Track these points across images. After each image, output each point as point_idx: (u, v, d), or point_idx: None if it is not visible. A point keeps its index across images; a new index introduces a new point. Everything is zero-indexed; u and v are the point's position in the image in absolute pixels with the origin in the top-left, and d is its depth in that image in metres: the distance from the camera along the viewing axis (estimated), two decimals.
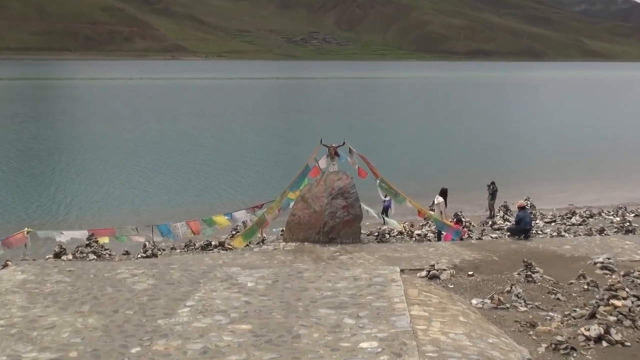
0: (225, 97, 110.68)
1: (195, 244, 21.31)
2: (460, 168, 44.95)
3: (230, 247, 19.85)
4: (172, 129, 64.50)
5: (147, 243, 20.46)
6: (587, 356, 8.81)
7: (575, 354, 8.85)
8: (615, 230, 24.40)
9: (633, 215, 28.52)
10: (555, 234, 23.48)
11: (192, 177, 40.44)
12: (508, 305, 11.40)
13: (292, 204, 20.10)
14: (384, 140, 57.73)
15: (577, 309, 11.06)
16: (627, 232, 23.69)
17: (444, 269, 14.29)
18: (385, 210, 26.45)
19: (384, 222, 24.88)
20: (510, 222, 26.00)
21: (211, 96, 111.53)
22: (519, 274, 13.83)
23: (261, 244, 20.72)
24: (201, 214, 28.03)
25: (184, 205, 33.03)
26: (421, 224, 26.34)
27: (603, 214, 28.99)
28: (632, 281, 13.15)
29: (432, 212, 23.06)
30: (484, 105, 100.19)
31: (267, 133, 63.31)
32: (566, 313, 10.84)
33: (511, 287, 12.23)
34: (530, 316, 10.86)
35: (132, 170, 42.22)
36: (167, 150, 50.93)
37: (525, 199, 30.61)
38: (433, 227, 23.62)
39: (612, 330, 9.29)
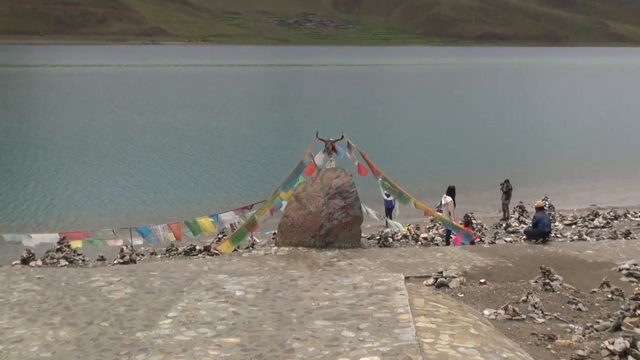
0: (212, 86, 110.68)
1: (177, 249, 21.29)
2: (471, 164, 45.02)
3: (216, 252, 19.83)
4: (155, 121, 64.49)
5: (124, 247, 20.44)
6: None
7: None
8: None
9: None
10: (576, 237, 23.51)
11: (176, 174, 40.48)
12: (524, 317, 11.41)
13: (285, 205, 20.10)
14: (386, 134, 57.81)
15: (601, 321, 11.07)
16: None
17: (453, 277, 14.30)
18: (388, 212, 26.48)
19: (387, 225, 24.90)
20: (526, 224, 26.01)
21: (196, 85, 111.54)
22: (536, 281, 13.84)
23: (251, 248, 20.68)
24: (185, 216, 28.00)
25: (166, 205, 33.04)
26: (428, 226, 26.30)
27: (629, 216, 29.02)
28: None
29: (440, 213, 23.07)
30: (497, 95, 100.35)
31: (258, 126, 63.35)
32: (588, 325, 10.85)
33: (527, 297, 12.24)
34: (549, 328, 10.86)
35: (109, 166, 42.22)
36: (148, 144, 50.98)
37: (543, 199, 30.66)
38: (441, 230, 23.61)
39: (639, 344, 9.30)
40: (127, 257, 19.48)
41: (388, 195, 25.29)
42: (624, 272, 15.21)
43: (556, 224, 26.83)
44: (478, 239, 22.33)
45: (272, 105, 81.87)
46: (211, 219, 22.14)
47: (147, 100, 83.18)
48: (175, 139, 54.15)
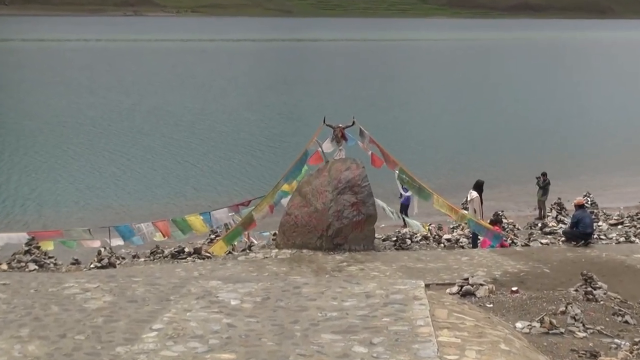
0: (206, 64, 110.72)
1: (163, 251, 21.29)
2: (502, 154, 44.94)
3: (208, 254, 19.85)
4: (142, 104, 64.74)
5: (102, 249, 20.45)
6: None
7: None
8: None
9: None
10: (622, 239, 23.42)
11: (164, 165, 40.65)
12: (562, 330, 11.39)
13: (286, 199, 20.09)
14: (404, 120, 57.79)
15: None
16: None
17: (481, 284, 14.27)
18: (405, 209, 26.45)
19: (404, 224, 24.87)
20: (565, 223, 25.94)
21: (188, 63, 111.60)
22: (576, 290, 13.80)
23: (248, 251, 20.65)
24: (172, 213, 28.02)
25: (152, 201, 33.16)
26: (451, 226, 26.25)
27: None
28: None
29: (466, 211, 23.00)
30: (532, 74, 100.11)
31: (259, 110, 63.43)
32: (636, 340, 10.82)
33: (566, 307, 12.21)
34: (591, 344, 10.85)
35: (89, 155, 42.36)
36: (135, 130, 51.15)
37: (585, 195, 30.56)
38: (467, 231, 23.57)
39: None
40: (106, 260, 19.49)
41: (406, 190, 25.27)
42: None
43: (600, 224, 26.76)
44: (509, 241, 22.28)
45: (275, 86, 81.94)
46: (202, 217, 22.17)
47: (132, 80, 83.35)
48: (165, 124, 54.30)
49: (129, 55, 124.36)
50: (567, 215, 27.89)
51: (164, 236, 21.37)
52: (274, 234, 21.87)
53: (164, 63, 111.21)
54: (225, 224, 22.61)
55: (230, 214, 22.62)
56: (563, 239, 21.43)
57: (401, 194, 27.35)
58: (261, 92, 75.91)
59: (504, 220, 25.77)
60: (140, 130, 51.27)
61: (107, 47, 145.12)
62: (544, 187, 30.06)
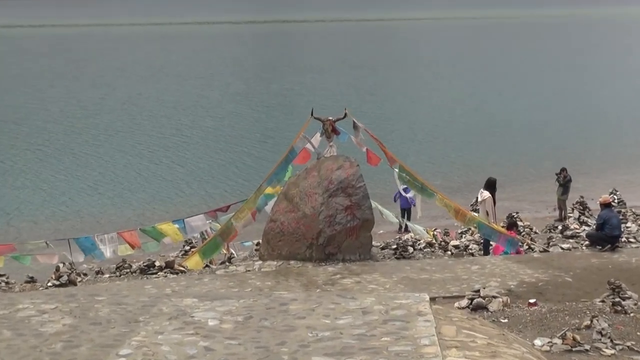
0: (180, 51, 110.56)
1: (131, 266, 21.30)
2: (516, 148, 45.00)
3: (182, 269, 19.81)
4: (111, 96, 64.80)
5: (61, 265, 20.38)
6: None
7: None
8: None
9: None
10: None
11: (134, 166, 40.75)
12: (587, 347, 11.41)
13: (271, 204, 20.05)
14: (405, 111, 57.86)
15: None
16: None
17: (494, 296, 14.28)
18: (406, 212, 26.45)
19: (403, 229, 24.89)
20: (589, 225, 26.00)
21: (160, 50, 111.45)
22: (602, 301, 13.82)
23: (227, 263, 20.68)
24: (142, 221, 27.96)
25: (117, 208, 33.17)
26: (459, 230, 26.27)
27: None
28: None
29: (476, 214, 22.99)
30: (546, 56, 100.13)
31: (240, 101, 63.52)
32: None
33: (592, 321, 12.23)
34: None
35: (50, 157, 42.37)
36: (102, 127, 51.20)
37: (611, 192, 30.62)
38: (477, 236, 23.59)
39: None
40: (65, 277, 19.41)
41: (407, 190, 25.28)
42: None
43: (628, 225, 26.81)
44: (526, 247, 22.30)
45: (259, 75, 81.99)
46: (176, 226, 22.08)
47: (97, 70, 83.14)
48: (137, 120, 54.40)
49: (93, 43, 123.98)
50: (591, 215, 27.96)
51: (132, 248, 21.28)
52: (257, 244, 21.86)
53: (133, 50, 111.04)
54: (202, 233, 22.53)
55: (207, 222, 22.53)
56: (587, 243, 21.45)
57: (399, 195, 27.37)
58: (243, 82, 75.93)
59: (520, 223, 25.80)
60: (109, 127, 51.28)
61: (66, 33, 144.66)
62: (564, 184, 30.10)
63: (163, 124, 52.50)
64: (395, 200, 27.99)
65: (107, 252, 20.99)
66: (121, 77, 78.14)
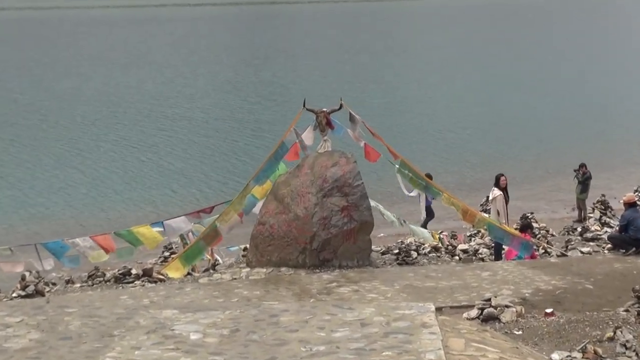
0: (161, 36, 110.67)
1: (105, 274, 21.24)
2: (530, 141, 45.00)
3: (161, 277, 19.80)
4: (85, 87, 64.88)
5: (27, 273, 20.32)
6: None
7: None
8: None
9: None
10: None
11: (110, 162, 40.76)
12: None
13: (259, 205, 19.98)
14: (408, 101, 57.89)
15: None
16: None
17: (507, 306, 14.27)
18: (429, 213, 26.40)
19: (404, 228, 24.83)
20: (612, 227, 25.98)
21: (139, 35, 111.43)
22: (627, 310, 13.80)
23: (211, 271, 20.65)
24: (116, 224, 27.88)
25: (91, 209, 33.22)
26: (468, 233, 26.24)
27: None
28: None
29: (486, 215, 22.92)
30: (561, 38, 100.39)
31: (227, 91, 63.58)
32: None
33: (615, 332, 12.20)
34: None
35: (17, 153, 42.31)
36: (76, 120, 51.28)
37: (636, 190, 30.61)
38: (487, 239, 23.57)
39: None
40: (32, 287, 19.38)
41: (411, 189, 25.21)
42: None
43: None
44: (542, 250, 22.26)
45: (246, 62, 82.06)
46: (155, 229, 21.98)
47: (69, 58, 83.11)
48: (113, 111, 54.35)
49: (63, 27, 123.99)
50: (614, 216, 27.96)
51: (106, 253, 21.18)
52: (245, 249, 21.78)
53: (109, 35, 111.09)
54: (182, 237, 22.44)
55: (189, 224, 22.43)
56: (609, 246, 21.40)
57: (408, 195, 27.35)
58: (231, 69, 76.06)
59: (535, 225, 25.77)
60: (85, 119, 51.38)
61: (33, 17, 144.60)
62: (583, 181, 30.09)
63: (143, 117, 52.58)
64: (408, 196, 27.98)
65: (79, 258, 20.93)
66: (97, 65, 78.26)
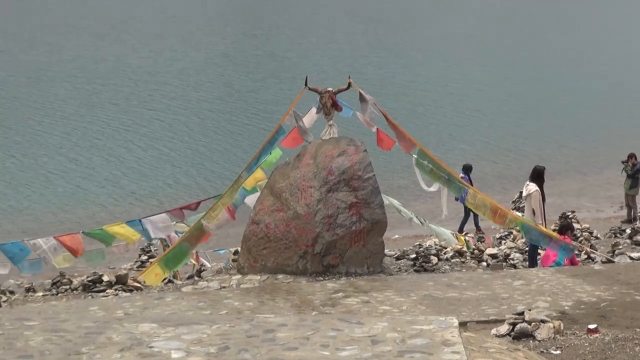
0: (143, 8, 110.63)
1: (72, 281, 21.25)
2: (572, 128, 45.01)
3: (138, 284, 19.78)
4: (56, 60, 65.01)
5: None
6: None
7: None
8: None
9: None
10: None
11: (82, 151, 40.92)
12: None
13: (252, 199, 19.91)
14: (426, 82, 57.78)
15: None
16: None
17: (543, 320, 14.16)
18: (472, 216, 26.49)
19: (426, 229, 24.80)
20: None
21: (119, 5, 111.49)
22: None
23: (196, 278, 20.71)
24: (87, 223, 27.88)
25: (61, 205, 33.38)
26: (497, 235, 26.20)
27: None
28: None
29: (519, 213, 22.83)
30: (620, 13, 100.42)
31: (224, 67, 63.74)
32: None
33: None
34: None
35: None
36: (44, 99, 51.34)
37: None
38: (520, 242, 23.52)
39: None
40: None
41: (430, 184, 25.16)
42: None
43: None
44: (584, 256, 22.18)
45: (252, 32, 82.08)
46: (131, 227, 21.97)
47: (39, 27, 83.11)
48: (90, 90, 54.61)
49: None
50: None
51: (74, 255, 21.17)
52: (235, 253, 21.73)
53: (83, 5, 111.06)
54: (162, 239, 22.42)
55: (171, 223, 22.45)
56: None
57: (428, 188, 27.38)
58: (228, 42, 76.33)
59: (576, 225, 25.74)
60: (55, 98, 51.58)
61: None
62: (632, 174, 30.07)
63: (124, 96, 52.84)
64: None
65: (41, 263, 20.91)
66: (70, 35, 78.34)
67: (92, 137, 42.71)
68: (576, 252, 21.51)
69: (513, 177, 32.77)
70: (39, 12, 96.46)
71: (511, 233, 25.35)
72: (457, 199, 23.80)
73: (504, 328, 14.09)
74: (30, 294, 21.03)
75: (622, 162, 30.40)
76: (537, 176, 23.00)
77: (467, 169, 28.79)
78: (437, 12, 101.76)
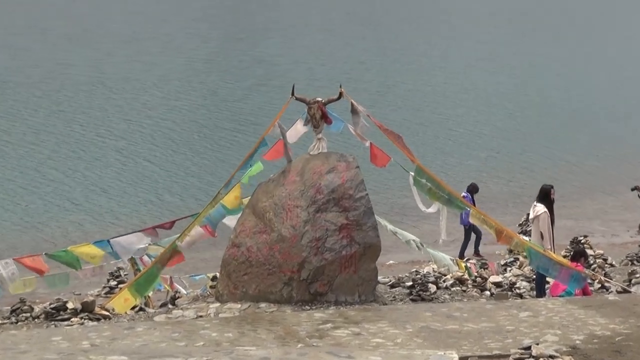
0: (110, 8, 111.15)
1: (33, 308, 21.17)
2: (585, 145, 45.12)
3: (106, 312, 19.75)
4: (23, 64, 65.43)
5: None
6: None
7: None
8: None
9: None
10: None
11: (48, 164, 41.07)
12: None
13: (231, 220, 19.83)
14: (425, 91, 57.90)
15: None
16: None
17: (552, 356, 14.11)
18: (474, 236, 26.45)
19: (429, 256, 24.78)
20: None
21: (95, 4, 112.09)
22: None
23: (170, 305, 20.74)
24: (52, 243, 27.82)
25: (29, 222, 33.55)
26: (502, 262, 26.17)
27: None
28: None
29: (526, 238, 22.78)
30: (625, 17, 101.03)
31: (212, 71, 64.03)
32: None
33: None
34: None
35: None
36: (7, 107, 51.63)
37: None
38: (527, 269, 23.52)
39: None
40: None
41: (429, 204, 25.17)
42: None
43: None
44: (598, 285, 22.15)
45: (237, 35, 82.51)
46: (99, 247, 21.90)
47: (4, 27, 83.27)
48: (59, 97, 54.87)
49: None
50: None
51: (40, 274, 21.11)
52: (213, 278, 21.69)
53: (50, 4, 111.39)
54: (133, 260, 22.34)
55: (143, 243, 22.37)
56: None
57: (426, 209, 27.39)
58: (211, 45, 76.67)
59: (589, 251, 25.74)
60: (22, 106, 51.80)
61: None
62: None
63: (98, 105, 52.85)
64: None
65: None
66: (39, 37, 78.55)
67: (64, 150, 42.87)
68: (589, 280, 21.47)
69: (518, 198, 32.75)
70: (1, 11, 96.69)
71: (517, 259, 25.38)
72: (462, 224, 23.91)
73: None
74: None
75: (632, 190, 30.50)
76: (545, 196, 22.98)
77: (472, 190, 28.77)
78: (439, 13, 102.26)
